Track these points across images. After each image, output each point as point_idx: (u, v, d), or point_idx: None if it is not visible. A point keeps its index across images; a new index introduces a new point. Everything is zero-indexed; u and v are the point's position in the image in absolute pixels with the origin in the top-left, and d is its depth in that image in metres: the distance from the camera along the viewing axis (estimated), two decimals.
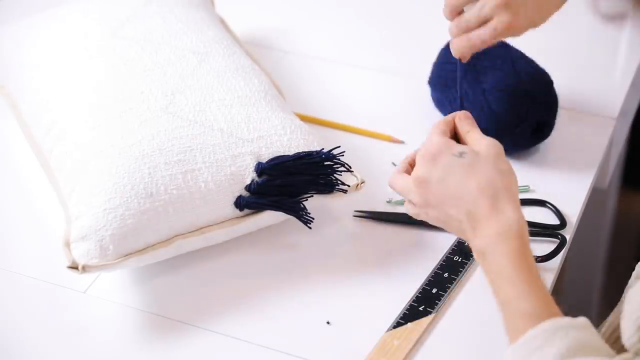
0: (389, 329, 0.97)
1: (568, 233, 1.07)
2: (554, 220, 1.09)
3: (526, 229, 0.86)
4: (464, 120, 0.96)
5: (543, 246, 1.06)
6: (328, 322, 0.98)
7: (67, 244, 0.98)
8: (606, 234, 1.68)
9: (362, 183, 1.06)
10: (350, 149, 1.10)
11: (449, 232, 0.95)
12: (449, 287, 1.01)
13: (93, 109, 1.07)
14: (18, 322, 1.00)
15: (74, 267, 0.96)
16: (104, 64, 1.12)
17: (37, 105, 1.12)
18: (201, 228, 1.01)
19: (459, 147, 0.91)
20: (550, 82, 1.17)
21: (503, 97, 1.13)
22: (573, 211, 1.11)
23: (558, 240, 1.05)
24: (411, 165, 0.97)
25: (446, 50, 1.19)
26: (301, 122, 1.08)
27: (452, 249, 1.05)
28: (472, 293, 1.01)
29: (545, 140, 1.18)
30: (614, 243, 1.77)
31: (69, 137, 1.06)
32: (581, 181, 1.15)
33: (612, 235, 1.73)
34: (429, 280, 1.02)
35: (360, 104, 1.28)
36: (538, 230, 1.07)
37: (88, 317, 1.00)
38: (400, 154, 1.18)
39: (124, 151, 1.01)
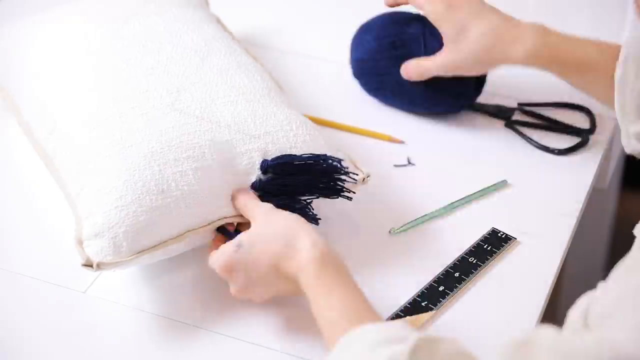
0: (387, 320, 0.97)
1: (599, 135, 1.15)
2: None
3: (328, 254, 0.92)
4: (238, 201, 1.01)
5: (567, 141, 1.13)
6: None
7: (80, 242, 0.98)
8: (606, 234, 1.68)
9: (367, 177, 1.06)
10: (350, 149, 1.10)
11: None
12: (456, 287, 1.01)
13: (96, 108, 1.06)
14: (18, 322, 1.00)
15: (89, 264, 0.96)
16: (106, 63, 1.12)
17: (39, 106, 1.12)
18: (212, 222, 1.01)
19: (232, 242, 0.95)
20: None
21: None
22: (573, 211, 1.11)
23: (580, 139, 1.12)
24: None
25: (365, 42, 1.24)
26: (305, 118, 1.09)
27: (470, 250, 1.05)
28: (478, 296, 1.01)
29: (546, 141, 1.18)
30: (614, 243, 1.77)
31: (73, 137, 1.06)
32: (581, 181, 1.15)
33: (612, 235, 1.73)
34: (439, 278, 1.02)
35: (360, 103, 1.28)
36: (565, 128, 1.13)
37: (88, 317, 1.00)
38: (400, 154, 1.19)
39: (133, 149, 1.01)
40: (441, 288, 1.01)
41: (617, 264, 0.78)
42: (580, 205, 1.12)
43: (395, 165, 1.18)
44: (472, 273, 1.03)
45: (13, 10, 1.46)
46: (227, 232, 1.01)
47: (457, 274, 1.03)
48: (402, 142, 1.21)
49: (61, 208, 1.11)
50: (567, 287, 1.70)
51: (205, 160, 1.01)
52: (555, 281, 1.04)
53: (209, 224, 1.01)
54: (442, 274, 1.02)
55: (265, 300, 0.96)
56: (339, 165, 1.03)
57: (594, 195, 1.22)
